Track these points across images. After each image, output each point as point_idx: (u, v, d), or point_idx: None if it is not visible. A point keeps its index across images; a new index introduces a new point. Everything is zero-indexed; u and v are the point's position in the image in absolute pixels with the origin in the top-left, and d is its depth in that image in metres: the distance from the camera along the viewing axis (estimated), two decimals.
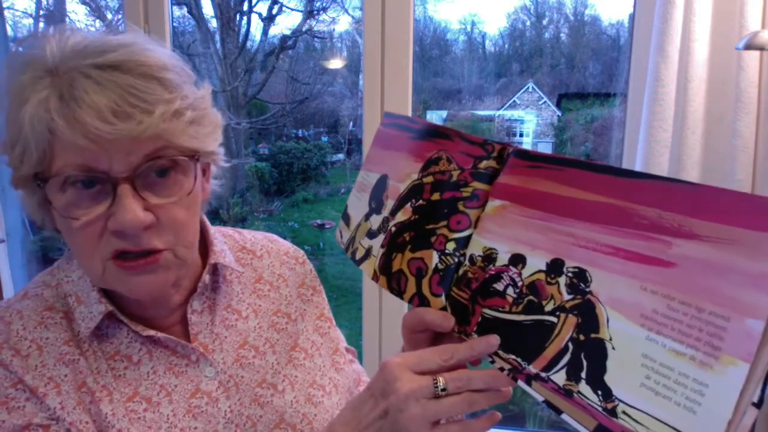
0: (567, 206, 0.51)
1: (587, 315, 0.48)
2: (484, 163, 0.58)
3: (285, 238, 0.84)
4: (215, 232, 0.74)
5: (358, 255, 0.70)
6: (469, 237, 0.58)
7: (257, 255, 0.78)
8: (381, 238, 0.66)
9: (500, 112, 2.99)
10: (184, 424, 0.63)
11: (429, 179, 0.63)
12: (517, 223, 0.54)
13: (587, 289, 0.48)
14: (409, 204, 0.64)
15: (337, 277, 3.18)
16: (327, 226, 3.38)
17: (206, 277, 0.69)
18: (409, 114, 1.57)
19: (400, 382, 0.52)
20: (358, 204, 0.73)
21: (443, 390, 0.52)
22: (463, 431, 0.54)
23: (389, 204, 0.67)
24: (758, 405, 0.39)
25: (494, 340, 0.54)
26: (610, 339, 0.46)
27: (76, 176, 0.56)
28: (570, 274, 0.50)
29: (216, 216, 3.15)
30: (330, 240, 3.35)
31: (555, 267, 0.51)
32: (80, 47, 0.57)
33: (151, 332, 0.64)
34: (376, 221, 0.68)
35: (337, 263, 3.24)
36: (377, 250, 0.66)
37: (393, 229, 0.65)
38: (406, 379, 0.52)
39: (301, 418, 0.70)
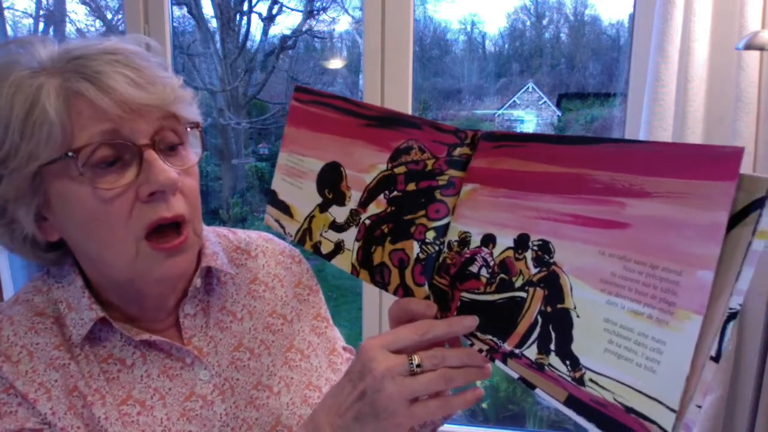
0: (529, 181, 0.51)
1: (553, 286, 0.49)
2: (458, 151, 0.57)
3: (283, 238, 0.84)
4: (208, 232, 0.74)
5: (325, 249, 0.68)
6: (447, 225, 0.58)
7: (252, 255, 0.78)
8: (353, 231, 0.65)
9: (500, 112, 2.99)
10: (178, 427, 0.63)
11: (401, 169, 0.62)
12: (486, 204, 0.54)
13: (551, 261, 0.49)
14: (382, 195, 0.63)
15: (337, 277, 3.18)
16: None
17: (197, 281, 0.68)
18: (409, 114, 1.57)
19: (375, 362, 0.52)
20: (296, 192, 0.71)
21: (418, 366, 0.52)
22: (444, 407, 0.53)
23: (354, 195, 0.65)
24: (716, 359, 0.39)
25: (471, 321, 0.54)
26: (575, 308, 0.47)
27: (101, 144, 0.56)
28: (535, 248, 0.50)
29: (216, 216, 3.14)
30: None
31: (521, 242, 0.51)
32: (65, 47, 0.59)
33: (145, 336, 0.63)
34: (340, 213, 0.66)
35: None
36: (351, 244, 0.65)
37: (367, 222, 0.64)
38: (381, 359, 0.52)
39: (297, 420, 0.69)
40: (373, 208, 0.63)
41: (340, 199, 0.67)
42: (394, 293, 0.61)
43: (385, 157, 0.63)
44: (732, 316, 0.39)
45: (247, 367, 0.70)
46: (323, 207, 0.68)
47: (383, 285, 0.62)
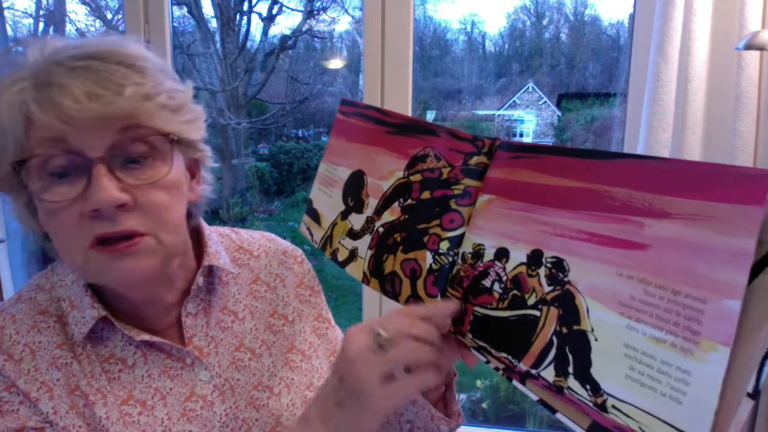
0: (545, 195, 0.49)
1: (568, 306, 0.47)
2: (474, 159, 0.56)
3: (285, 238, 0.84)
4: (211, 232, 0.74)
5: (341, 256, 0.68)
6: (462, 235, 0.56)
7: (254, 255, 0.78)
8: (367, 239, 0.65)
9: (500, 112, 2.99)
10: (179, 427, 0.63)
11: (417, 177, 0.61)
12: (501, 216, 0.53)
13: (565, 279, 0.47)
14: (396, 203, 0.62)
15: (337, 277, 3.18)
16: None
17: (200, 280, 0.68)
18: (409, 114, 1.57)
19: (347, 343, 0.54)
20: (327, 200, 0.71)
21: (387, 340, 0.52)
22: (419, 382, 0.54)
23: (371, 203, 0.65)
24: (754, 396, 0.38)
25: (454, 305, 0.55)
26: (592, 330, 0.45)
27: (52, 155, 0.56)
28: (549, 265, 0.48)
29: (216, 216, 3.14)
30: None
31: (535, 258, 0.50)
32: (59, 47, 0.59)
33: (146, 336, 0.63)
34: (357, 221, 0.66)
35: None
36: (364, 252, 0.65)
37: (381, 229, 0.63)
38: (352, 339, 0.54)
39: None
40: (387, 216, 0.63)
41: (359, 207, 0.66)
42: (405, 304, 0.60)
43: (403, 164, 0.62)
44: None
45: (247, 367, 0.69)
46: (344, 214, 0.68)
47: (394, 295, 0.61)
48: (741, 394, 0.37)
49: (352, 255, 0.66)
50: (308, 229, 0.74)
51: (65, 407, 0.60)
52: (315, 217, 0.73)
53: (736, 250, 0.37)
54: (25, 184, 0.58)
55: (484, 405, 2.64)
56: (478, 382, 2.65)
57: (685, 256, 0.39)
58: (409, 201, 0.61)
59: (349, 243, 0.67)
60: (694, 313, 0.38)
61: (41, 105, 0.54)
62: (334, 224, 0.70)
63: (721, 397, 0.37)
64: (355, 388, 0.53)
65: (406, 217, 0.61)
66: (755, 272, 0.37)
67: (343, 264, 0.67)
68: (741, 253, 0.36)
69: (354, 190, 0.67)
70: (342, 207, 0.68)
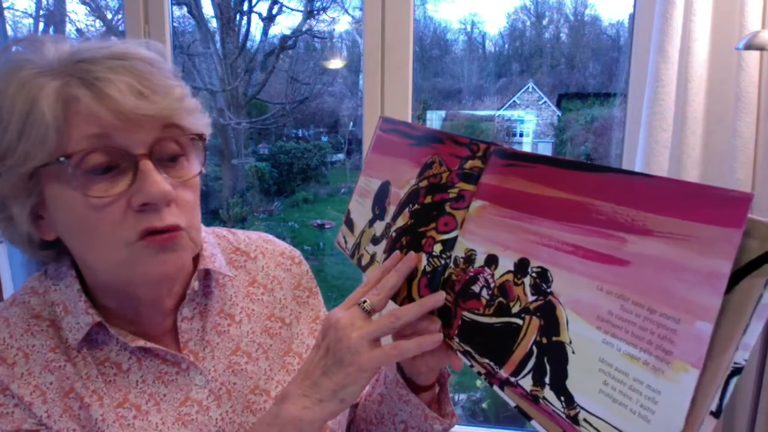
0: (535, 204, 0.50)
1: (549, 317, 0.47)
2: (469, 164, 0.57)
3: (284, 238, 0.84)
4: (208, 234, 0.74)
5: (364, 261, 0.70)
6: (455, 238, 0.57)
7: (251, 257, 0.77)
8: (383, 244, 0.67)
9: (500, 112, 2.99)
10: None
11: (424, 183, 0.63)
12: (493, 223, 0.53)
13: (548, 290, 0.47)
14: (407, 209, 0.64)
15: (337, 277, 3.18)
16: (327, 226, 3.38)
17: (195, 284, 0.68)
18: (409, 114, 1.57)
19: (334, 319, 0.57)
20: (361, 210, 0.73)
21: (367, 303, 0.57)
22: (397, 348, 0.56)
23: (391, 210, 0.67)
24: (716, 414, 0.37)
25: (440, 296, 0.57)
26: (570, 342, 0.45)
27: (95, 150, 0.56)
28: (534, 275, 0.49)
29: (216, 216, 3.14)
30: (330, 240, 3.35)
31: (521, 267, 0.50)
32: (76, 49, 0.58)
33: (140, 342, 0.63)
34: (379, 228, 0.68)
35: (337, 263, 3.24)
36: (380, 256, 0.66)
37: (393, 234, 0.65)
38: (339, 315, 0.57)
39: None
40: (400, 221, 0.65)
41: (383, 215, 0.68)
42: (401, 305, 0.61)
43: (417, 172, 0.64)
44: (736, 371, 0.36)
45: (244, 371, 0.69)
46: (371, 222, 0.71)
47: (393, 296, 0.62)
48: (704, 412, 0.37)
49: (372, 259, 0.69)
50: (344, 237, 0.76)
51: (59, 411, 0.59)
52: (350, 225, 0.75)
53: (711, 272, 0.36)
54: (40, 187, 0.58)
55: (484, 405, 2.64)
56: (478, 382, 2.65)
57: (663, 274, 0.39)
58: (416, 206, 0.63)
59: (371, 248, 0.69)
60: (667, 333, 0.38)
61: (97, 98, 0.54)
62: (363, 231, 0.72)
63: (686, 415, 0.37)
64: (343, 352, 0.55)
65: (412, 221, 0.63)
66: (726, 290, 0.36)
67: (364, 268, 0.69)
68: (716, 274, 0.36)
69: (380, 199, 0.70)
70: (370, 215, 0.71)
